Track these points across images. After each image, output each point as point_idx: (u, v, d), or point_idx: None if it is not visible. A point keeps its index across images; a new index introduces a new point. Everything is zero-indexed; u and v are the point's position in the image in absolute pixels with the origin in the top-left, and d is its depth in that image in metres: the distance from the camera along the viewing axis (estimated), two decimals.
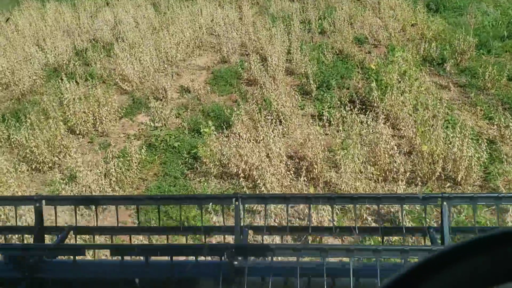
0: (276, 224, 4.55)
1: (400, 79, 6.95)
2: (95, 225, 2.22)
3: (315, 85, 7.68)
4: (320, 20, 11.25)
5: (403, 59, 7.49)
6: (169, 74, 8.93)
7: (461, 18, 10.74)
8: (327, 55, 8.97)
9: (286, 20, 11.05)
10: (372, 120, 6.30)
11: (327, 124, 6.53)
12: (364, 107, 7.03)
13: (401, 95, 6.63)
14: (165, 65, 9.34)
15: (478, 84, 7.62)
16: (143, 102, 7.85)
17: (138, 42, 10.19)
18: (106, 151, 6.25)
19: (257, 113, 6.62)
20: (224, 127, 6.66)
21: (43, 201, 1.95)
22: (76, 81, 8.01)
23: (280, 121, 6.55)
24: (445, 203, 1.82)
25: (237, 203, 1.87)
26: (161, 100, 7.87)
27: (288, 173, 5.35)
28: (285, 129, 6.51)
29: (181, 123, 7.02)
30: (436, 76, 8.19)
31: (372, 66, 7.12)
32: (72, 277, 1.76)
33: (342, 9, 11.47)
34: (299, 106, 7.27)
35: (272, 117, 6.49)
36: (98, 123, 7.02)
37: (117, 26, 11.84)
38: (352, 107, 6.68)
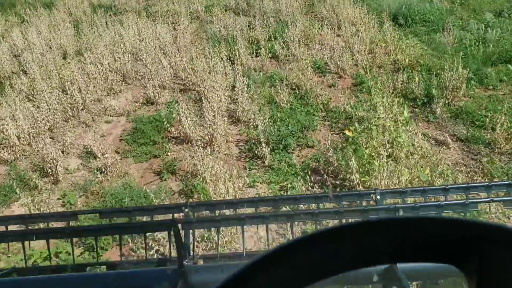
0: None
1: (385, 139, 4.55)
2: None
3: (268, 147, 5.19)
4: (270, 41, 8.76)
5: (384, 107, 5.09)
6: (70, 129, 6.24)
7: (436, 36, 8.48)
8: (281, 93, 6.49)
9: (230, 43, 8.49)
10: None
11: None
12: (339, 184, 4.61)
13: (394, 168, 4.24)
14: (70, 113, 6.62)
15: (484, 136, 5.32)
16: (27, 180, 5.15)
17: (43, 77, 7.43)
18: None
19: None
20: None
21: None
22: None
23: None
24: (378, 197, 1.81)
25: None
26: (51, 175, 5.20)
27: None
28: (227, 239, 3.98)
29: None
30: (424, 122, 5.85)
31: (348, 133, 4.68)
32: None
33: (295, 26, 9.01)
34: (248, 184, 4.77)
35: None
36: None
37: (23, 53, 8.98)
38: (321, 186, 4.28)
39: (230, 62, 7.73)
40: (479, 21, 8.71)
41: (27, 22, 11.24)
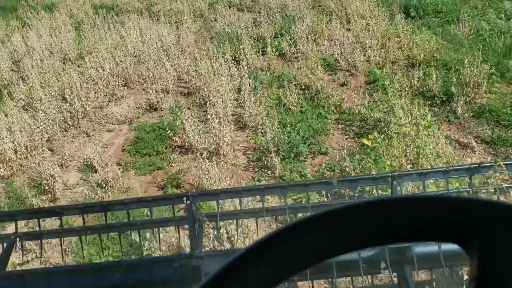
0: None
1: (408, 149, 4.12)
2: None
3: (278, 156, 4.78)
4: (276, 38, 8.31)
5: (403, 110, 4.67)
6: (70, 140, 5.88)
7: (450, 27, 7.99)
8: (290, 95, 6.07)
9: (235, 42, 8.05)
10: None
11: None
12: None
13: None
14: (70, 122, 6.25)
15: (511, 138, 4.87)
16: (23, 198, 4.80)
17: (42, 84, 7.08)
18: None
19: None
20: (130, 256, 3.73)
21: None
22: None
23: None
24: (395, 182, 1.81)
25: (188, 202, 1.77)
26: (49, 193, 4.84)
27: None
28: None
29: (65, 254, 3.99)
30: (445, 123, 5.40)
31: (366, 142, 4.27)
32: None
33: (302, 21, 8.56)
34: (257, 199, 4.37)
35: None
36: None
37: (23, 58, 8.62)
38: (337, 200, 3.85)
39: (235, 62, 7.32)
40: (495, 9, 8.19)
41: (28, 26, 10.88)
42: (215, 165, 4.55)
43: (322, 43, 7.93)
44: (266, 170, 4.84)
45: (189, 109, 6.39)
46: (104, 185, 4.84)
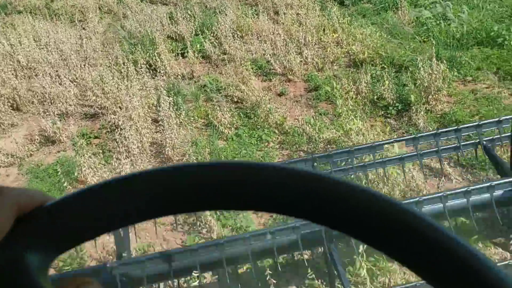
0: None
1: None
2: None
3: (214, 218, 3.54)
4: (198, 36, 6.96)
5: (363, 136, 3.59)
6: None
7: (387, 15, 7.03)
8: (221, 114, 4.82)
9: (149, 46, 6.59)
10: None
11: None
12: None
13: None
14: None
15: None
16: None
17: None
18: None
19: None
20: None
21: None
22: None
23: None
24: (315, 164, 1.83)
25: None
26: None
27: None
28: None
29: None
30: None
31: None
32: None
33: (226, 15, 7.26)
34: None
35: None
36: None
37: None
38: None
39: (150, 71, 5.92)
40: None
41: None
42: (133, 229, 3.24)
43: (251, 42, 6.69)
44: (200, 229, 3.59)
45: (96, 137, 4.98)
46: None
